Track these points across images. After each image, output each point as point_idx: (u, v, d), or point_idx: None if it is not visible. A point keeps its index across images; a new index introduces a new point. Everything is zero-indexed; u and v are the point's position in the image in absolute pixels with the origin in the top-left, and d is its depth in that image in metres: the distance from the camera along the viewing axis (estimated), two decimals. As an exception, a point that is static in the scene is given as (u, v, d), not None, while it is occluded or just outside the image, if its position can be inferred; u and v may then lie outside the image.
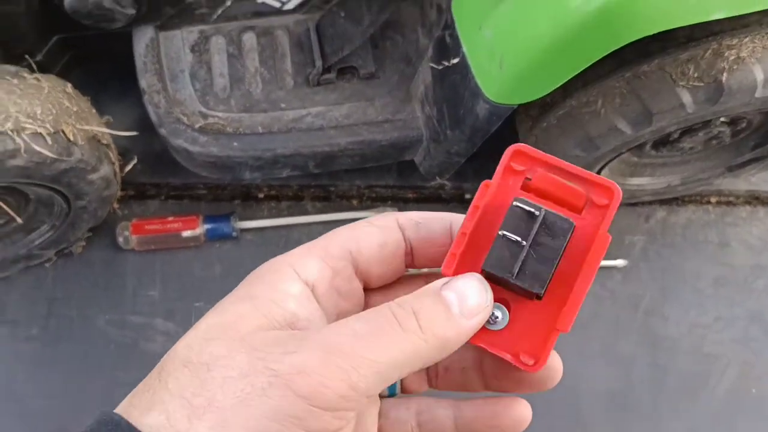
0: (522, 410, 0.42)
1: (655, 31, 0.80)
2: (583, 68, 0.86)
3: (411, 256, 0.41)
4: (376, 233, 0.40)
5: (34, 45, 1.16)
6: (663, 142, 1.18)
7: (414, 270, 0.43)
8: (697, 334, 1.40)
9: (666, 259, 1.43)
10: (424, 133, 1.18)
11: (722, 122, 1.13)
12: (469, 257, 0.38)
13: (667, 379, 1.36)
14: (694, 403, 1.35)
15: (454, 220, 0.41)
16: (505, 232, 0.37)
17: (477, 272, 0.37)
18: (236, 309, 0.36)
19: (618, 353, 1.37)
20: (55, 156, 1.02)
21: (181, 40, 1.22)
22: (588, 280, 0.37)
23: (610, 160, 1.14)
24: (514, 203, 0.37)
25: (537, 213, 0.37)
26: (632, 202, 1.41)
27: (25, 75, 1.07)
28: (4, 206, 1.09)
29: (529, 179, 0.39)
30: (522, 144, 0.40)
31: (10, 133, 0.98)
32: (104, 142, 1.14)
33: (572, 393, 1.33)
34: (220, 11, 1.20)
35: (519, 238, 0.36)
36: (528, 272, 0.36)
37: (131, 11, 1.11)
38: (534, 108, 1.10)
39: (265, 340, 0.33)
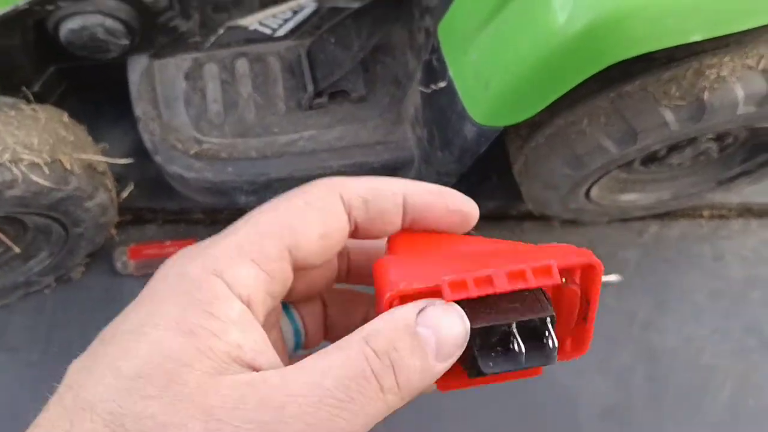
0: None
1: (636, 54, 0.82)
2: (567, 90, 0.88)
3: (355, 233, 0.36)
4: (317, 220, 0.33)
5: (31, 76, 1.18)
6: (651, 158, 1.20)
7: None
8: (693, 347, 1.40)
9: (660, 273, 1.44)
10: (415, 154, 1.19)
11: (709, 138, 1.15)
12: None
13: (665, 393, 1.37)
14: (693, 416, 1.36)
15: (409, 191, 0.35)
16: (477, 326, 0.32)
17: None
18: (171, 348, 0.28)
19: (615, 368, 1.38)
20: (52, 185, 1.04)
21: (175, 67, 1.24)
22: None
23: (600, 178, 1.16)
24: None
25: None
26: (624, 218, 1.43)
27: (22, 106, 1.09)
28: (2, 236, 1.11)
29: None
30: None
31: (8, 164, 1.00)
32: (100, 169, 1.16)
33: (569, 408, 1.34)
34: (213, 39, 1.22)
35: (499, 321, 0.32)
36: (529, 349, 0.32)
37: (125, 42, 1.14)
38: (523, 128, 1.12)
39: (224, 401, 0.27)
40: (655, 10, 0.80)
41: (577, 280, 0.35)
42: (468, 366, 0.33)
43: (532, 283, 0.32)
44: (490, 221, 1.47)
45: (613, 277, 1.40)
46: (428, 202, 0.36)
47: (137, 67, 1.21)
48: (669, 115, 0.97)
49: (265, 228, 0.32)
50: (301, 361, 0.29)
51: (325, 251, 0.34)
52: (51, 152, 1.05)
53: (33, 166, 1.02)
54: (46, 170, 1.04)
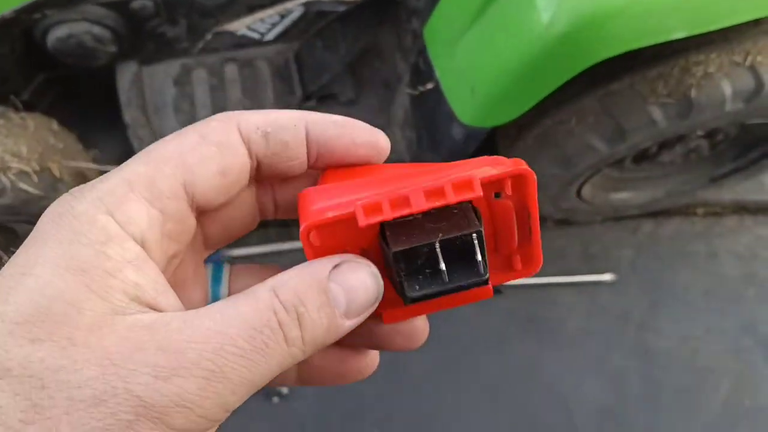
0: (370, 358, 0.36)
1: (618, 53, 0.82)
2: (552, 90, 0.88)
3: (256, 170, 0.33)
4: (215, 156, 0.31)
5: (20, 84, 1.18)
6: (643, 156, 1.19)
7: None
8: (689, 347, 1.40)
9: (655, 271, 1.43)
10: (406, 156, 1.19)
11: (699, 136, 1.15)
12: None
13: (660, 393, 1.36)
14: (689, 417, 1.35)
15: (311, 122, 0.33)
16: (398, 249, 0.29)
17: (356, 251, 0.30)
18: (59, 288, 0.26)
19: (610, 368, 1.38)
20: (40, 193, 1.04)
21: (163, 73, 1.24)
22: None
23: (591, 176, 1.15)
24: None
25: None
26: (618, 217, 1.42)
27: (11, 115, 1.09)
28: (-8, 244, 1.11)
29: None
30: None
31: (-5, 172, 1.00)
32: (91, 177, 1.16)
33: (564, 409, 1.33)
34: (201, 44, 1.22)
35: (421, 242, 0.29)
36: (458, 268, 0.30)
37: (113, 49, 1.14)
38: (512, 128, 1.11)
39: (121, 344, 0.25)
40: (637, 9, 0.80)
41: (510, 193, 0.32)
42: (400, 293, 0.31)
43: (452, 198, 0.29)
44: (484, 222, 1.46)
45: (607, 277, 1.40)
46: (333, 134, 0.33)
47: (126, 73, 1.21)
48: (657, 113, 0.97)
49: (157, 164, 0.30)
50: (205, 307, 0.28)
51: (226, 189, 0.31)
52: (40, 160, 1.05)
53: (22, 174, 1.02)
54: (35, 178, 1.03)
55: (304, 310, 0.28)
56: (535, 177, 0.30)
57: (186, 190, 0.30)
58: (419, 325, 0.35)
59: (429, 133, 1.07)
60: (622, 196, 1.31)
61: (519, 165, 0.31)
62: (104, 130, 1.32)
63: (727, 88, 0.95)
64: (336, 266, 0.29)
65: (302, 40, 1.22)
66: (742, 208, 1.48)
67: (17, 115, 1.10)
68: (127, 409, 0.25)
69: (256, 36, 1.23)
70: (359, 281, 0.29)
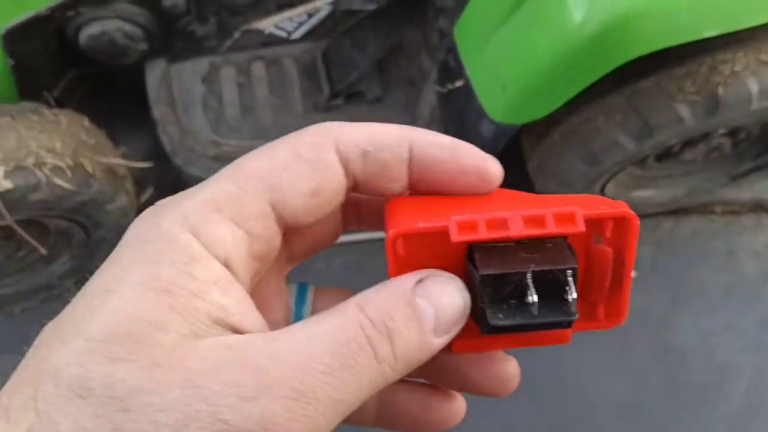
0: (459, 407, 0.34)
1: (650, 51, 0.83)
2: (583, 88, 0.89)
3: (354, 189, 0.31)
4: (308, 175, 0.29)
5: (52, 81, 1.20)
6: (665, 154, 1.21)
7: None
8: (708, 344, 1.41)
9: (674, 269, 1.45)
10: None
11: (722, 134, 1.16)
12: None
13: (680, 390, 1.38)
14: (709, 413, 1.36)
15: (415, 142, 0.30)
16: (487, 272, 0.28)
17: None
18: (142, 308, 0.25)
19: (630, 365, 1.39)
20: (74, 188, 1.06)
21: (192, 71, 1.25)
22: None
23: (614, 174, 1.17)
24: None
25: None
26: (639, 214, 1.43)
27: (44, 111, 1.11)
28: (30, 238, 1.13)
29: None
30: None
31: (31, 168, 1.01)
32: (121, 173, 1.18)
33: (585, 406, 1.35)
34: (229, 43, 1.24)
35: (512, 270, 0.28)
36: (546, 305, 0.28)
37: (144, 47, 1.16)
38: (538, 126, 1.13)
39: (203, 364, 0.24)
40: (668, 8, 0.81)
41: (609, 236, 0.30)
42: (480, 321, 0.29)
43: (552, 229, 0.28)
44: (504, 220, 1.47)
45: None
46: (439, 158, 0.30)
47: (155, 71, 1.23)
48: (684, 111, 0.98)
49: (245, 182, 0.28)
50: (289, 326, 0.26)
51: (318, 209, 0.29)
52: (73, 156, 1.07)
53: (56, 169, 1.04)
54: (69, 174, 1.05)
55: (394, 324, 0.26)
56: (639, 223, 0.29)
57: (274, 211, 0.29)
58: (511, 370, 0.33)
59: (457, 130, 1.08)
60: (644, 193, 1.32)
61: (622, 207, 0.29)
62: (133, 127, 1.34)
63: (753, 87, 0.96)
64: (420, 281, 0.27)
65: (329, 39, 1.23)
66: (760, 207, 1.49)
67: (50, 111, 1.11)
68: None
69: (283, 34, 1.25)
70: (446, 295, 0.28)
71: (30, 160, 1.02)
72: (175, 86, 1.25)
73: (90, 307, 0.25)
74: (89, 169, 1.09)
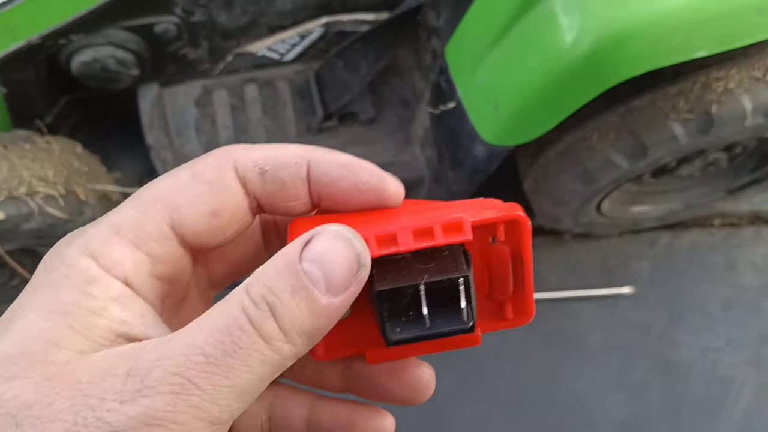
0: (384, 423, 0.34)
1: (642, 72, 0.83)
2: (575, 110, 0.89)
3: (258, 209, 0.32)
4: (206, 196, 0.29)
5: (44, 108, 1.19)
6: (661, 170, 1.20)
7: None
8: (709, 358, 1.40)
9: (673, 283, 1.44)
10: (426, 174, 1.20)
11: (718, 149, 1.15)
12: None
13: (681, 405, 1.37)
14: (711, 427, 1.35)
15: (314, 161, 0.30)
16: (381, 288, 0.29)
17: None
18: (40, 328, 0.26)
19: (631, 380, 1.38)
20: (66, 216, 1.05)
21: (185, 95, 1.25)
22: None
23: (612, 191, 1.16)
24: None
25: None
26: (636, 230, 1.43)
27: (36, 139, 1.11)
28: (20, 269, 1.12)
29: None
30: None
31: (24, 197, 1.01)
32: (114, 199, 1.17)
33: (586, 422, 1.34)
34: (221, 66, 1.24)
35: (405, 283, 0.28)
36: (443, 314, 0.29)
37: (136, 72, 1.15)
38: (533, 146, 1.12)
39: (92, 374, 0.25)
40: (660, 29, 0.81)
41: (502, 239, 0.31)
42: (383, 334, 0.29)
43: (441, 240, 0.28)
44: (502, 237, 1.47)
45: (626, 290, 1.40)
46: (336, 176, 0.31)
47: (148, 95, 1.23)
48: (678, 129, 0.98)
49: (146, 206, 0.29)
50: (188, 325, 0.27)
51: (219, 230, 0.30)
52: (66, 184, 1.07)
53: (48, 198, 1.04)
54: (61, 202, 1.05)
55: (275, 299, 0.26)
56: (530, 224, 0.30)
57: (175, 233, 0.29)
58: (425, 376, 0.33)
59: (450, 151, 1.08)
60: (641, 209, 1.32)
61: (514, 210, 0.30)
62: (127, 151, 1.34)
63: (747, 104, 0.96)
64: (307, 243, 0.27)
65: (321, 60, 1.23)
66: (759, 219, 1.48)
67: (42, 139, 1.11)
68: None
69: (275, 56, 1.25)
70: (332, 251, 0.26)
71: (22, 190, 1.02)
72: (169, 110, 1.25)
73: None
74: (82, 196, 1.08)
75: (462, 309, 0.28)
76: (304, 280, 0.26)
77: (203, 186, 0.29)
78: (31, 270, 1.21)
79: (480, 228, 0.29)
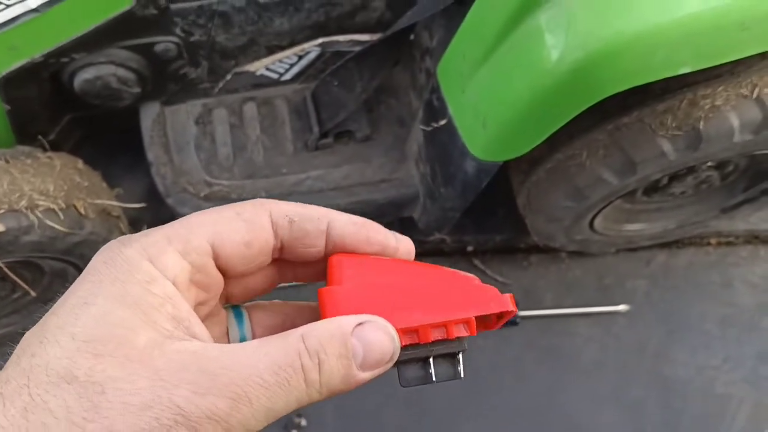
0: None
1: (626, 88, 0.84)
2: (563, 124, 0.90)
3: (279, 251, 0.39)
4: (243, 230, 0.37)
5: (47, 125, 1.22)
6: (654, 188, 1.21)
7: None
8: (706, 376, 1.40)
9: (670, 301, 1.44)
10: (420, 190, 1.22)
11: (709, 167, 1.16)
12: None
13: (678, 423, 1.36)
14: (708, 446, 1.35)
15: (333, 219, 0.38)
16: (402, 359, 0.37)
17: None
18: (119, 318, 0.32)
19: (628, 399, 1.38)
20: (67, 230, 1.07)
21: (185, 113, 1.28)
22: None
23: (603, 208, 1.17)
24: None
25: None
26: (631, 248, 1.44)
27: (38, 154, 1.13)
28: (19, 281, 1.14)
29: None
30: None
31: (24, 210, 1.03)
32: (114, 214, 1.19)
33: (583, 441, 1.34)
34: (221, 84, 1.26)
35: (420, 356, 0.38)
36: (446, 366, 0.38)
37: (137, 90, 1.18)
38: (524, 163, 1.14)
39: (169, 364, 0.31)
40: (644, 45, 0.82)
41: (494, 321, 0.41)
42: (398, 372, 0.38)
43: (453, 335, 0.37)
44: (498, 254, 1.48)
45: (621, 307, 1.41)
46: (351, 231, 0.39)
47: (149, 113, 1.25)
48: (666, 145, 0.99)
49: (193, 226, 0.36)
50: (242, 344, 0.34)
51: (249, 259, 0.37)
52: (66, 198, 1.09)
53: (48, 211, 1.06)
54: (61, 216, 1.07)
55: (326, 357, 0.33)
56: (515, 312, 0.40)
57: (214, 251, 0.36)
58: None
59: (442, 167, 1.10)
60: (634, 227, 1.33)
61: (505, 306, 0.39)
62: (129, 169, 1.36)
63: (734, 121, 0.97)
64: (360, 324, 0.35)
65: (319, 79, 1.26)
66: (756, 238, 1.49)
67: (44, 155, 1.13)
68: (169, 416, 0.30)
69: (274, 76, 1.27)
70: (378, 340, 0.35)
71: (23, 203, 1.04)
72: (169, 128, 1.27)
73: (73, 315, 0.32)
74: (82, 210, 1.11)
75: (459, 372, 0.38)
76: (350, 352, 0.34)
77: (242, 222, 0.37)
78: (32, 284, 1.23)
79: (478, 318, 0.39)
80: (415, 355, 0.37)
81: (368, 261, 0.39)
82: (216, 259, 0.36)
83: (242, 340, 0.42)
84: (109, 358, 0.31)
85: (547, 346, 1.40)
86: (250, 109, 1.29)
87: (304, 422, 1.34)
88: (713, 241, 1.49)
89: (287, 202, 0.38)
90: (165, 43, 1.15)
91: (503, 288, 1.45)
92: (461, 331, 0.38)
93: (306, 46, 1.22)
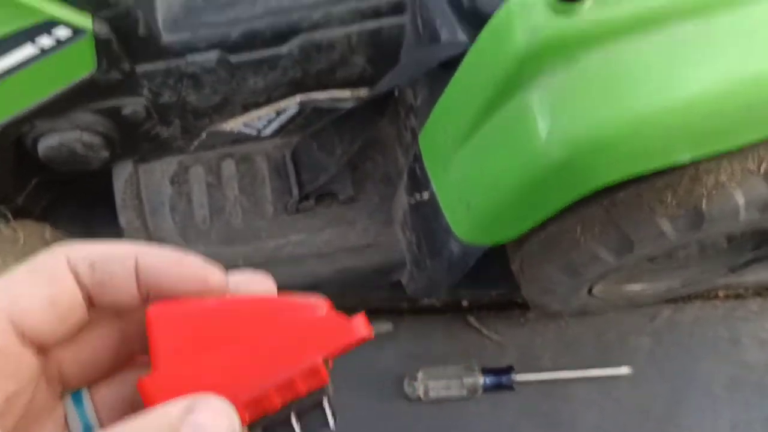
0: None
1: (619, 178, 0.77)
2: (551, 213, 0.83)
3: (89, 302, 0.33)
4: (42, 286, 0.31)
5: (13, 191, 1.16)
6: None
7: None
8: (713, 442, 1.33)
9: (675, 360, 1.37)
10: (407, 256, 1.15)
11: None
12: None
13: (684, 492, 1.29)
14: None
15: (141, 255, 0.33)
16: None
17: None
18: None
19: (630, 465, 1.31)
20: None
21: (160, 172, 1.21)
22: None
23: (599, 281, 1.10)
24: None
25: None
26: (632, 306, 1.36)
27: (1, 227, 1.07)
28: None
29: None
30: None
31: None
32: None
33: None
34: (196, 143, 1.20)
35: (279, 420, 0.33)
36: (309, 418, 0.33)
37: (105, 154, 1.12)
38: (515, 231, 1.07)
39: None
40: (637, 134, 0.75)
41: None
42: None
43: (303, 391, 0.32)
44: (494, 310, 1.41)
45: (624, 370, 1.33)
46: (162, 268, 0.33)
47: (122, 173, 1.19)
48: (666, 225, 0.92)
49: None
50: None
51: (59, 320, 0.31)
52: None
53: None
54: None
55: None
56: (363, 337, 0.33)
57: (14, 324, 0.30)
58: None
59: (428, 240, 1.03)
60: (636, 287, 1.25)
61: (353, 337, 0.33)
62: (107, 228, 1.30)
63: (740, 198, 0.89)
64: (189, 409, 0.29)
65: (300, 135, 1.19)
66: (766, 290, 1.41)
67: (7, 227, 1.08)
68: None
69: (253, 132, 1.20)
70: (213, 425, 0.29)
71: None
72: (143, 187, 1.21)
73: None
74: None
75: (328, 420, 0.33)
76: None
77: (39, 277, 0.31)
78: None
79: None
80: (275, 419, 0.32)
81: (190, 311, 0.33)
82: (20, 332, 0.30)
83: (87, 430, 0.35)
84: None
85: (544, 411, 1.33)
86: (228, 167, 1.22)
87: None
88: (721, 293, 1.41)
89: (87, 243, 0.33)
90: (132, 106, 1.09)
91: (499, 350, 1.39)
92: (311, 383, 0.32)
93: (283, 104, 1.15)
